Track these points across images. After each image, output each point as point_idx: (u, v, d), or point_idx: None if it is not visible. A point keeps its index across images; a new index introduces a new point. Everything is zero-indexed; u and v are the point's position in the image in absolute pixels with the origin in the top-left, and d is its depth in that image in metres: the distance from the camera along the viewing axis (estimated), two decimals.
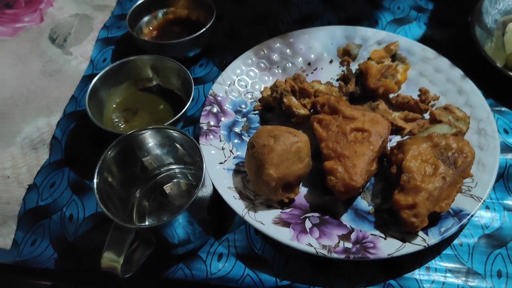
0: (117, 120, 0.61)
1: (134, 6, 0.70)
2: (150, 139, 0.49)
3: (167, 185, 0.55)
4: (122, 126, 0.60)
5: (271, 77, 0.66)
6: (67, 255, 0.52)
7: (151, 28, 0.73)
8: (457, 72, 0.62)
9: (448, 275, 0.48)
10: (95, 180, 0.43)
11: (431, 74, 0.63)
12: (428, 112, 0.59)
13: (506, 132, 0.59)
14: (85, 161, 0.59)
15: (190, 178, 0.55)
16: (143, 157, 0.50)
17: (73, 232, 0.53)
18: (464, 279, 0.48)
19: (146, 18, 0.73)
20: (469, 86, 0.60)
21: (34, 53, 0.73)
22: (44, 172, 0.59)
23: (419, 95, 0.61)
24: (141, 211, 0.52)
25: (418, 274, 0.48)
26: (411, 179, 0.48)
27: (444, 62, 0.63)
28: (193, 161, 0.52)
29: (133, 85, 0.64)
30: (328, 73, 0.66)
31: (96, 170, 0.44)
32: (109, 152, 0.45)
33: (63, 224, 0.54)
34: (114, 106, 0.62)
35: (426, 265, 0.49)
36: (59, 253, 0.52)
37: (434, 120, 0.57)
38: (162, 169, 0.54)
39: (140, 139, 0.48)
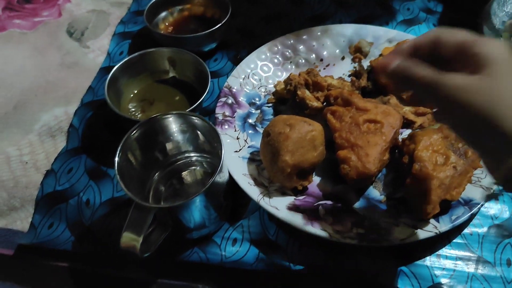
0: (133, 109, 0.62)
1: (152, 2, 0.72)
2: (173, 124, 0.50)
3: (183, 172, 0.56)
4: (139, 116, 0.61)
5: (284, 72, 0.68)
6: (83, 238, 0.53)
7: (167, 24, 0.75)
8: None
9: (459, 262, 0.49)
10: (116, 158, 0.45)
11: None
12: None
13: None
14: (102, 148, 0.61)
15: (205, 166, 0.56)
16: (164, 141, 0.52)
17: (89, 216, 0.54)
18: (474, 266, 0.49)
19: (162, 14, 0.75)
20: None
21: (52, 46, 0.75)
22: (62, 158, 0.60)
23: None
24: (157, 195, 0.54)
25: (429, 261, 0.49)
26: (423, 168, 0.49)
27: None
28: (211, 149, 0.53)
29: (150, 77, 0.66)
30: (340, 69, 0.68)
31: (119, 149, 0.45)
32: (133, 133, 0.47)
33: (80, 209, 0.55)
34: (132, 96, 0.64)
35: (437, 252, 0.50)
36: (75, 236, 0.53)
37: None
38: (180, 156, 0.55)
39: (163, 124, 0.49)
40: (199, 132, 0.51)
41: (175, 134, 0.52)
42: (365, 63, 0.67)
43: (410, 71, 0.35)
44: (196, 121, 0.49)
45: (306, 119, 0.52)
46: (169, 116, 0.48)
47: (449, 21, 0.76)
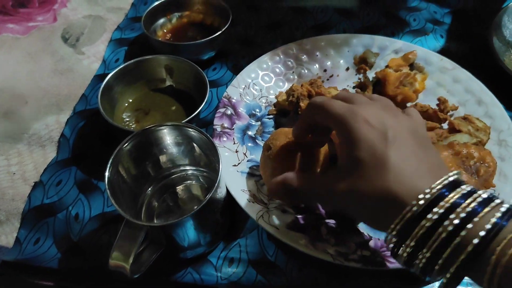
0: (128, 119, 0.60)
1: (150, 8, 0.69)
2: (167, 136, 0.47)
3: (178, 187, 0.53)
4: (133, 126, 0.59)
5: (286, 83, 0.65)
6: (71, 255, 0.49)
7: (165, 31, 0.72)
8: (476, 83, 0.61)
9: None
10: (107, 173, 0.42)
11: (449, 84, 0.63)
12: (447, 122, 0.57)
13: None
14: (93, 160, 0.58)
15: (202, 180, 0.53)
16: (158, 154, 0.49)
17: (78, 231, 0.51)
18: None
19: (161, 21, 0.72)
20: (489, 97, 0.59)
21: (46, 51, 0.72)
22: (51, 170, 0.57)
23: (437, 104, 0.59)
24: (150, 211, 0.51)
25: (437, 284, 0.46)
26: None
27: (463, 73, 0.63)
28: (207, 162, 0.51)
29: (146, 85, 0.63)
30: (344, 80, 0.65)
31: (109, 162, 0.42)
32: (125, 145, 0.44)
33: (68, 223, 0.52)
34: (126, 105, 0.61)
35: None
36: (62, 253, 0.50)
37: (453, 130, 0.56)
38: (175, 170, 0.52)
39: (157, 135, 0.47)
40: (195, 145, 0.48)
41: (170, 147, 0.49)
42: (370, 75, 0.65)
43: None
44: (192, 133, 0.46)
45: None
46: (163, 127, 0.45)
47: (457, 33, 0.74)
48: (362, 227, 0.49)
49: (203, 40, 0.63)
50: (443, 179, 0.33)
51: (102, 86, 0.56)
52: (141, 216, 0.49)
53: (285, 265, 0.48)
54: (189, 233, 0.43)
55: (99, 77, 0.68)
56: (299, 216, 0.50)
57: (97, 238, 0.51)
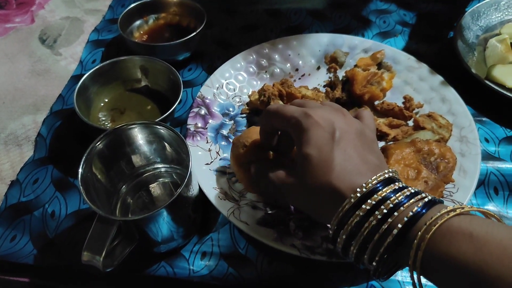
0: (103, 119, 0.61)
1: (126, 10, 0.71)
2: (138, 135, 0.49)
3: (152, 184, 0.54)
4: (108, 125, 0.60)
5: (259, 82, 0.67)
6: (47, 251, 0.51)
7: (141, 32, 0.74)
8: (440, 81, 0.64)
9: None
10: (80, 170, 0.43)
11: (416, 82, 0.65)
12: (412, 119, 0.60)
13: (487, 141, 0.60)
14: (70, 159, 0.59)
15: (175, 177, 0.55)
16: (130, 152, 0.50)
17: (54, 228, 0.52)
18: None
19: (137, 23, 0.74)
20: (452, 95, 0.62)
21: (23, 52, 0.73)
22: (28, 169, 0.58)
23: (403, 103, 0.62)
24: (125, 208, 0.52)
25: (401, 276, 0.49)
26: None
27: (428, 71, 0.65)
28: (179, 160, 0.52)
29: (122, 85, 0.64)
30: (315, 79, 0.68)
31: (82, 161, 0.44)
32: (97, 144, 0.45)
33: (45, 221, 0.53)
34: (102, 105, 0.62)
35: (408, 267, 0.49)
36: (38, 249, 0.51)
37: (417, 127, 0.58)
38: (148, 168, 0.54)
39: (128, 134, 0.48)
40: (166, 143, 0.50)
41: (142, 145, 0.50)
42: (341, 74, 0.67)
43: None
44: (162, 131, 0.47)
45: None
46: (134, 126, 0.47)
47: (425, 35, 0.76)
48: None
49: (177, 41, 0.65)
50: (378, 175, 0.36)
51: (78, 86, 0.58)
52: (116, 212, 0.51)
53: (256, 258, 0.50)
54: (162, 227, 0.45)
55: (76, 78, 0.69)
56: (269, 212, 0.52)
57: (72, 235, 0.52)
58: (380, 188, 0.35)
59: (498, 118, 0.63)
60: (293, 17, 0.81)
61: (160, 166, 0.54)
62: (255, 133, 0.51)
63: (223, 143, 0.59)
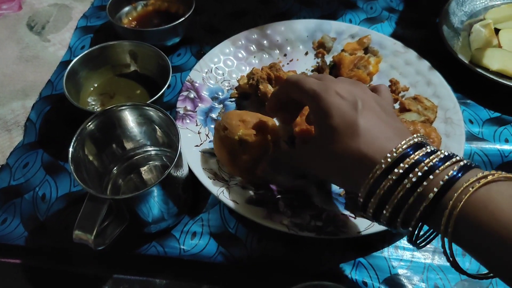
0: (93, 103, 0.61)
1: None
2: (128, 116, 0.49)
3: (142, 167, 0.55)
4: (98, 109, 0.60)
5: (248, 67, 0.68)
6: (38, 233, 0.51)
7: (130, 19, 0.74)
8: (426, 65, 0.65)
9: (415, 253, 0.50)
10: (70, 149, 0.43)
11: (402, 66, 0.66)
12: (398, 102, 0.61)
13: (471, 122, 0.61)
14: (60, 143, 0.59)
15: (165, 160, 0.55)
16: (121, 134, 0.51)
17: (45, 211, 0.53)
18: (431, 257, 0.49)
19: (126, 9, 0.74)
20: (437, 78, 0.63)
21: (11, 39, 0.73)
22: (18, 153, 0.58)
23: (389, 86, 0.63)
24: (115, 190, 0.52)
25: (387, 252, 0.50)
26: None
27: (414, 56, 0.66)
28: (169, 143, 0.53)
29: (111, 70, 0.64)
30: (304, 64, 0.68)
31: (73, 140, 0.44)
32: (88, 125, 0.46)
33: (35, 203, 0.53)
34: (92, 89, 0.62)
35: (395, 244, 0.50)
36: (29, 231, 0.51)
37: (403, 109, 0.59)
38: (139, 150, 0.54)
39: (119, 116, 0.48)
40: (156, 126, 0.50)
41: (132, 127, 0.50)
42: (328, 59, 0.68)
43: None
44: (152, 113, 0.48)
45: (259, 115, 0.52)
46: (124, 107, 0.47)
47: (411, 20, 0.78)
48: (317, 200, 0.52)
49: (166, 26, 0.65)
50: (408, 139, 0.36)
51: (67, 70, 0.58)
52: (107, 193, 0.51)
53: (245, 237, 0.51)
54: (152, 207, 0.45)
55: (65, 64, 0.69)
56: (258, 192, 0.52)
57: (63, 217, 0.52)
58: (411, 152, 0.35)
59: (482, 100, 0.64)
60: (282, 3, 0.81)
61: (150, 149, 0.54)
62: (235, 115, 0.52)
63: (212, 126, 0.60)
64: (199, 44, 0.73)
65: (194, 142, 0.56)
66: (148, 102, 0.55)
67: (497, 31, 0.70)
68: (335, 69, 0.64)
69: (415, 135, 0.37)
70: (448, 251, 0.33)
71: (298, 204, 0.51)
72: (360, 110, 0.39)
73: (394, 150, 0.35)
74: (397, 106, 0.62)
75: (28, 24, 0.75)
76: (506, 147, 0.58)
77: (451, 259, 0.34)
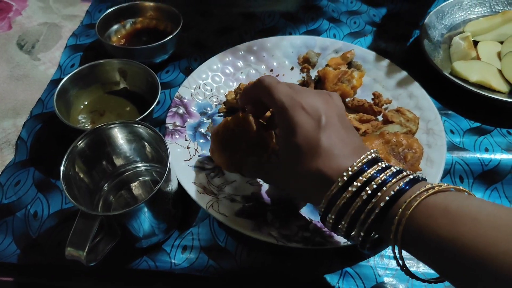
0: (84, 121, 0.62)
1: (104, 14, 0.72)
2: (118, 134, 0.50)
3: (133, 183, 0.56)
4: (88, 127, 0.61)
5: (235, 82, 0.69)
6: (30, 250, 0.52)
7: (119, 37, 0.75)
8: (408, 78, 0.67)
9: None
10: (62, 168, 0.44)
11: (384, 80, 0.68)
12: (381, 114, 0.63)
13: (452, 132, 0.63)
14: (51, 161, 0.60)
15: (155, 176, 0.56)
16: (111, 152, 0.52)
17: (37, 228, 0.53)
18: (416, 265, 0.51)
19: (114, 27, 0.75)
20: (419, 90, 0.65)
21: (1, 58, 0.74)
22: (9, 171, 0.59)
23: (373, 99, 0.65)
24: (106, 206, 0.53)
25: (373, 261, 0.51)
26: None
27: (396, 70, 0.68)
28: (159, 158, 0.54)
29: (101, 88, 0.66)
30: (290, 79, 0.70)
31: (64, 159, 0.45)
32: (78, 143, 0.47)
33: (27, 221, 0.54)
34: (82, 107, 0.63)
35: (381, 253, 0.52)
36: (22, 249, 0.52)
37: (386, 121, 0.61)
38: (129, 166, 0.55)
39: (108, 133, 0.49)
40: (145, 142, 0.52)
41: (122, 144, 0.52)
42: (313, 73, 0.70)
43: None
44: (141, 130, 0.49)
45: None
46: (114, 125, 0.48)
47: (393, 34, 0.80)
48: (304, 211, 0.53)
49: (154, 44, 0.67)
50: (363, 157, 0.39)
51: (57, 89, 0.59)
52: (99, 210, 0.52)
53: (235, 250, 0.52)
54: (143, 223, 0.46)
55: (55, 82, 0.70)
56: (247, 204, 0.54)
57: (55, 234, 0.53)
58: (366, 168, 0.38)
59: (462, 111, 0.66)
60: (267, 19, 0.83)
61: (140, 165, 0.56)
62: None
63: (201, 140, 0.61)
64: (187, 60, 0.74)
65: (183, 157, 0.58)
66: (137, 119, 0.56)
67: (476, 43, 0.72)
68: (320, 83, 0.65)
69: (370, 151, 0.40)
70: (398, 257, 0.36)
71: (285, 215, 0.53)
72: (323, 127, 0.41)
73: (349, 169, 0.38)
74: (380, 118, 0.64)
75: (18, 43, 0.76)
76: (486, 156, 0.60)
77: (401, 263, 0.37)
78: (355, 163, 0.38)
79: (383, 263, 0.51)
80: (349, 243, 0.49)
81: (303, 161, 0.40)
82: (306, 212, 0.53)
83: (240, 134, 0.51)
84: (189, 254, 0.51)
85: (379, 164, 0.38)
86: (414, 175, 0.38)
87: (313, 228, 0.51)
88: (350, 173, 0.38)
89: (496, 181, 0.58)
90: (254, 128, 0.50)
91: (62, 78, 0.61)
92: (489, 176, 0.58)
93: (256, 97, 0.48)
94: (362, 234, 0.37)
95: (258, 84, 0.47)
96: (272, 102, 0.44)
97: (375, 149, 0.41)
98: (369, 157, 0.39)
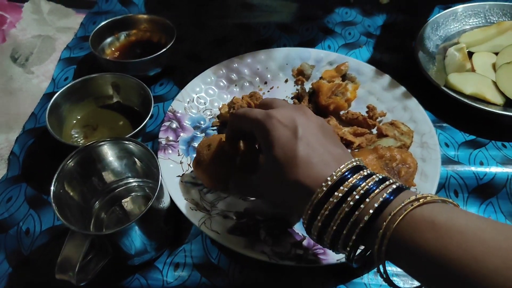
0: (76, 135, 0.62)
1: (97, 27, 0.72)
2: (108, 151, 0.50)
3: (125, 199, 0.55)
4: (81, 142, 0.61)
5: (229, 95, 0.69)
6: (22, 268, 0.51)
7: (113, 49, 0.75)
8: (403, 91, 0.67)
9: (395, 278, 0.50)
10: (52, 188, 0.44)
11: (379, 92, 0.68)
12: (376, 127, 0.62)
13: (447, 145, 0.63)
14: (43, 176, 0.60)
15: (148, 191, 0.56)
16: (101, 169, 0.51)
17: (28, 245, 0.53)
18: (409, 281, 0.50)
19: (108, 40, 0.75)
20: (413, 103, 0.65)
21: None
22: (1, 187, 0.59)
23: (367, 112, 0.65)
24: (98, 223, 0.53)
25: (367, 278, 0.51)
26: None
27: (391, 82, 0.68)
28: (151, 173, 0.53)
29: (94, 102, 0.65)
30: (284, 92, 0.70)
31: (54, 178, 0.45)
32: (68, 162, 0.46)
33: (19, 238, 0.54)
34: (74, 122, 0.63)
35: (374, 270, 0.51)
36: (14, 267, 0.51)
37: (381, 135, 0.61)
38: (120, 183, 0.55)
39: (99, 151, 0.49)
40: (136, 159, 0.51)
41: (113, 161, 0.51)
42: (307, 86, 0.69)
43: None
44: (132, 146, 0.49)
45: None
46: (104, 143, 0.48)
47: (388, 45, 0.80)
48: (298, 227, 0.53)
49: (148, 57, 0.66)
50: (346, 164, 0.38)
51: (49, 105, 0.59)
52: (90, 228, 0.52)
53: (228, 267, 0.51)
54: (134, 241, 0.46)
55: (48, 96, 0.70)
56: (240, 221, 0.53)
57: (48, 251, 0.53)
58: (349, 176, 0.37)
59: (457, 124, 0.66)
60: (262, 30, 0.83)
61: (132, 180, 0.55)
62: (217, 136, 0.53)
63: (194, 155, 0.60)
64: (182, 73, 0.74)
65: (176, 172, 0.57)
66: (130, 133, 0.56)
67: (471, 54, 0.72)
68: (314, 96, 0.65)
69: (353, 159, 0.39)
70: (382, 271, 0.36)
71: (279, 231, 0.52)
72: (300, 137, 0.40)
73: (329, 178, 0.37)
74: (375, 131, 0.63)
75: (12, 56, 0.76)
76: (481, 169, 0.59)
77: (384, 276, 0.36)
78: (334, 172, 0.37)
79: (377, 280, 0.50)
80: (342, 260, 0.49)
81: (283, 173, 0.40)
82: (300, 228, 0.53)
83: (225, 153, 0.51)
84: (181, 272, 0.51)
85: (362, 171, 0.38)
86: (399, 183, 0.37)
87: (306, 245, 0.50)
88: (329, 182, 0.37)
89: (491, 196, 0.57)
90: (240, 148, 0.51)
91: (56, 92, 0.61)
92: (484, 190, 0.58)
93: (238, 130, 0.49)
94: (348, 248, 0.36)
95: (233, 116, 0.48)
96: (249, 124, 0.45)
97: (359, 158, 0.40)
98: (351, 165, 0.38)
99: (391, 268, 0.50)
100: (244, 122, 0.46)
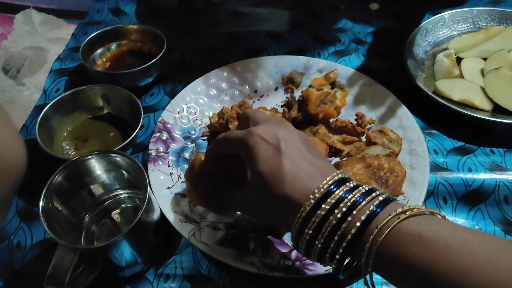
0: (67, 147, 0.62)
1: (88, 38, 0.73)
2: (96, 165, 0.50)
3: (115, 211, 0.56)
4: (72, 154, 0.61)
5: (219, 104, 0.69)
6: (13, 282, 0.51)
7: (104, 60, 0.76)
8: (391, 98, 0.67)
9: (384, 287, 0.51)
10: (40, 203, 0.44)
11: (368, 99, 0.68)
12: (365, 135, 0.63)
13: (435, 152, 0.63)
14: (34, 189, 0.59)
15: (138, 202, 0.56)
16: (90, 182, 0.52)
17: (20, 259, 0.53)
18: None
19: (99, 50, 0.75)
20: (402, 110, 0.65)
21: None
22: None
23: (356, 119, 0.65)
24: (89, 236, 0.53)
25: (356, 287, 0.51)
26: None
27: (380, 89, 0.68)
28: (140, 185, 0.54)
29: (84, 114, 0.66)
30: (274, 100, 0.70)
31: (43, 194, 0.45)
32: (56, 177, 0.47)
33: (11, 252, 0.54)
34: (65, 134, 0.64)
35: (363, 280, 0.51)
36: (5, 281, 0.52)
37: (370, 142, 0.61)
38: (110, 195, 0.55)
39: (86, 165, 0.49)
40: (124, 172, 0.52)
41: (101, 174, 0.52)
42: (297, 94, 0.70)
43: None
44: (119, 159, 0.49)
45: None
46: (91, 156, 0.49)
47: (377, 52, 0.80)
48: (287, 238, 0.53)
49: (138, 68, 0.67)
50: (331, 176, 0.38)
51: (39, 118, 0.59)
52: (81, 241, 0.52)
53: (218, 278, 0.52)
54: (124, 253, 0.46)
55: (39, 108, 0.70)
56: (229, 232, 0.54)
57: (39, 264, 0.53)
58: (334, 189, 0.37)
59: (446, 130, 0.66)
60: (252, 39, 0.83)
61: (121, 192, 0.55)
62: (197, 156, 0.53)
63: (184, 166, 0.61)
64: (172, 82, 0.74)
65: (166, 184, 0.58)
66: (121, 145, 0.56)
67: (460, 60, 0.73)
68: (303, 104, 0.65)
69: (338, 172, 0.39)
70: (369, 283, 0.36)
71: (268, 242, 0.53)
72: (283, 151, 0.41)
73: (316, 191, 0.37)
74: (364, 139, 0.64)
75: (3, 68, 0.77)
76: (469, 176, 0.60)
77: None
78: (321, 184, 0.37)
79: None
80: (330, 271, 0.49)
81: (269, 188, 0.40)
82: (289, 239, 0.53)
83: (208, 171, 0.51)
84: (172, 283, 0.51)
85: (348, 184, 0.38)
86: (385, 195, 0.37)
87: (295, 256, 0.51)
88: (317, 195, 0.37)
89: (480, 202, 0.58)
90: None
91: (47, 103, 0.61)
92: (472, 196, 0.58)
93: (219, 155, 0.49)
94: (335, 261, 0.37)
95: (215, 143, 0.48)
96: (232, 145, 0.45)
97: (343, 169, 0.40)
98: (336, 177, 0.38)
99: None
100: (225, 145, 0.46)
